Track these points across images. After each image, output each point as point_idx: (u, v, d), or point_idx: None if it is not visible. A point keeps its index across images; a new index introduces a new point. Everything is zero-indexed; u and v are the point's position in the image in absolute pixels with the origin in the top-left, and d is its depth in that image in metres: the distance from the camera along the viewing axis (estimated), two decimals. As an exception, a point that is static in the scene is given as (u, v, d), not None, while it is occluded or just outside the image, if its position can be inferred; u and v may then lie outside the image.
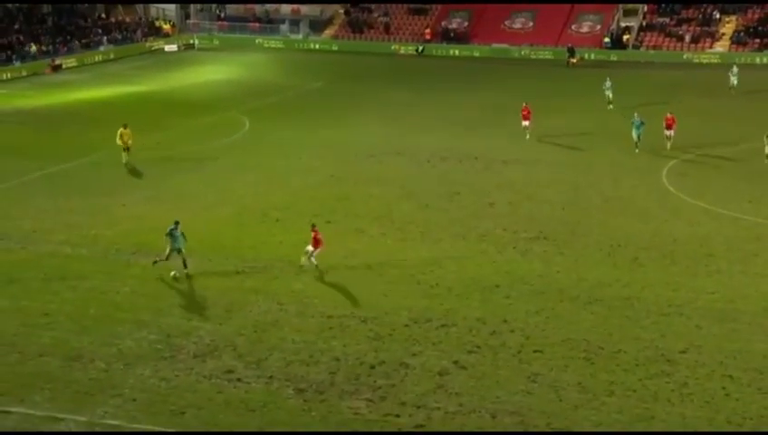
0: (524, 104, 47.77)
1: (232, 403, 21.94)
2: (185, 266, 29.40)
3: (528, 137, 46.63)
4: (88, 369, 23.54)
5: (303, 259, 29.79)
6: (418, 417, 21.28)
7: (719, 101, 56.57)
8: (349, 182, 40.77)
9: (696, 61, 71.43)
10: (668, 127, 44.35)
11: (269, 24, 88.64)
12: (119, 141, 43.57)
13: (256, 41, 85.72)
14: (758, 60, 70.11)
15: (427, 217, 35.62)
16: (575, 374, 23.02)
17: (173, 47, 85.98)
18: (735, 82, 57.16)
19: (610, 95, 54.82)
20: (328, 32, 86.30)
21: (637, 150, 43.48)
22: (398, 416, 21.32)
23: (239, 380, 23.02)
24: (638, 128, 44.06)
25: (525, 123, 46.96)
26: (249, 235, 33.77)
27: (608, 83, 55.34)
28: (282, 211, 36.54)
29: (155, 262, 29.75)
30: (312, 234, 29.78)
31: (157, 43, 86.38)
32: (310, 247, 29.78)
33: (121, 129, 43.78)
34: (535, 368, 23.41)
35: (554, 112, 53.95)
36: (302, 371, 23.52)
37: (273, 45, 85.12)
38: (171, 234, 29.38)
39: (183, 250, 29.40)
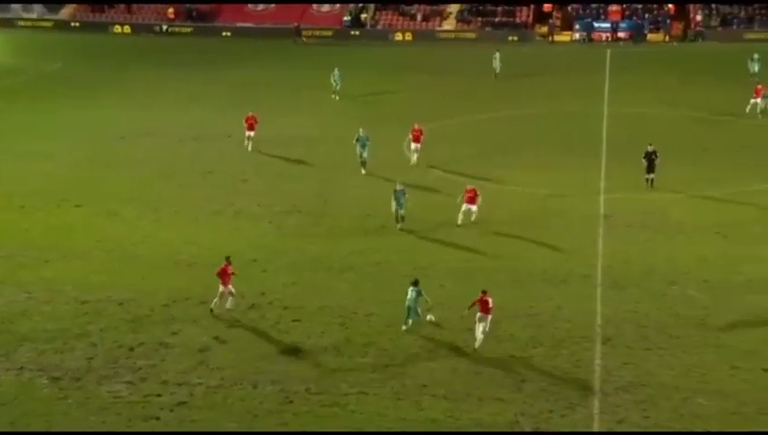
0: (250, 114, 41.74)
1: (-20, 399, 21.13)
2: None
3: (250, 149, 41.06)
4: None
5: (215, 302, 25.54)
6: (180, 394, 21.57)
7: (450, 78, 58.94)
8: (99, 165, 39.63)
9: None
10: (415, 140, 39.19)
11: None
12: None
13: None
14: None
15: (182, 197, 35.49)
16: (331, 339, 24.21)
17: None
18: (499, 67, 58.88)
19: (337, 86, 52.18)
20: (65, 11, 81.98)
21: (363, 172, 37.94)
22: (159, 395, 21.50)
23: (-13, 374, 22.16)
24: (363, 146, 38.04)
25: (250, 133, 41.21)
26: (-10, 224, 32.12)
27: (336, 73, 52.51)
28: (26, 198, 34.99)
29: None
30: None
31: None
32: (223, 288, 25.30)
33: None
34: (294, 337, 24.37)
35: (300, 89, 54.65)
36: (57, 359, 23.03)
37: (3, 25, 79.82)
38: None
39: None
